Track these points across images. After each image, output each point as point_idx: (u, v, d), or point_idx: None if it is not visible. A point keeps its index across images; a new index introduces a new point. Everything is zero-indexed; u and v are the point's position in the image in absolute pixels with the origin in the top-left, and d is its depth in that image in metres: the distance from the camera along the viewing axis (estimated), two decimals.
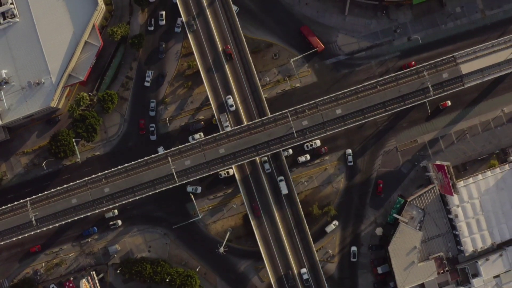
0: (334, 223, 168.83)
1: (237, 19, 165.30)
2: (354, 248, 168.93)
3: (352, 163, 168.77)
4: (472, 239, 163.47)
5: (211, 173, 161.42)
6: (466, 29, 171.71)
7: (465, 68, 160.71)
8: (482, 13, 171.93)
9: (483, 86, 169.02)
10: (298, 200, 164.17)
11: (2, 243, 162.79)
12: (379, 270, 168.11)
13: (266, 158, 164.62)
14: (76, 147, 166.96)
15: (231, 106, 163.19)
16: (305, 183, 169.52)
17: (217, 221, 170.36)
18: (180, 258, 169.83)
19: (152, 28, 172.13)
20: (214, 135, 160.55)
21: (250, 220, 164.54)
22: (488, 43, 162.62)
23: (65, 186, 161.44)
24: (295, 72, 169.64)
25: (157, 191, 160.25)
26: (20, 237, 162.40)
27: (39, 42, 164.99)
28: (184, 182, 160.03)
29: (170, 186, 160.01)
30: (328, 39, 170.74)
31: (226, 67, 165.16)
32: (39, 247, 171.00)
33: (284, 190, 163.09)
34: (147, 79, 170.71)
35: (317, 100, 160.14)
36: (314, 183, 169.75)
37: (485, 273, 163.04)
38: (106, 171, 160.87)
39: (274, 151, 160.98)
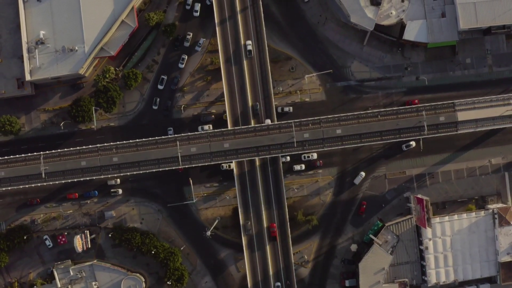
0: (361, 173, 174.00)
1: (264, 27, 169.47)
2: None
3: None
4: (437, 272, 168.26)
5: (213, 163, 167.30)
6: (471, 80, 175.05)
7: (462, 116, 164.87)
8: (490, 68, 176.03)
9: (476, 135, 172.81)
10: (286, 203, 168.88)
11: (9, 188, 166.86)
12: (347, 283, 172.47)
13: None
14: (94, 115, 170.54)
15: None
16: (296, 190, 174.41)
17: (209, 208, 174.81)
18: (168, 235, 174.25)
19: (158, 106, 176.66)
20: (222, 129, 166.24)
21: (238, 213, 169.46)
22: (488, 97, 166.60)
23: (78, 148, 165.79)
24: (307, 88, 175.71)
25: (160, 169, 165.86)
26: (27, 186, 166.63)
27: (80, 13, 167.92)
28: (186, 166, 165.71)
29: (173, 168, 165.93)
30: (343, 63, 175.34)
31: (246, 71, 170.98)
32: (76, 195, 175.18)
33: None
34: None
35: (321, 117, 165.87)
36: (303, 192, 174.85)
37: None
38: (118, 142, 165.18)
39: (273, 155, 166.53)
